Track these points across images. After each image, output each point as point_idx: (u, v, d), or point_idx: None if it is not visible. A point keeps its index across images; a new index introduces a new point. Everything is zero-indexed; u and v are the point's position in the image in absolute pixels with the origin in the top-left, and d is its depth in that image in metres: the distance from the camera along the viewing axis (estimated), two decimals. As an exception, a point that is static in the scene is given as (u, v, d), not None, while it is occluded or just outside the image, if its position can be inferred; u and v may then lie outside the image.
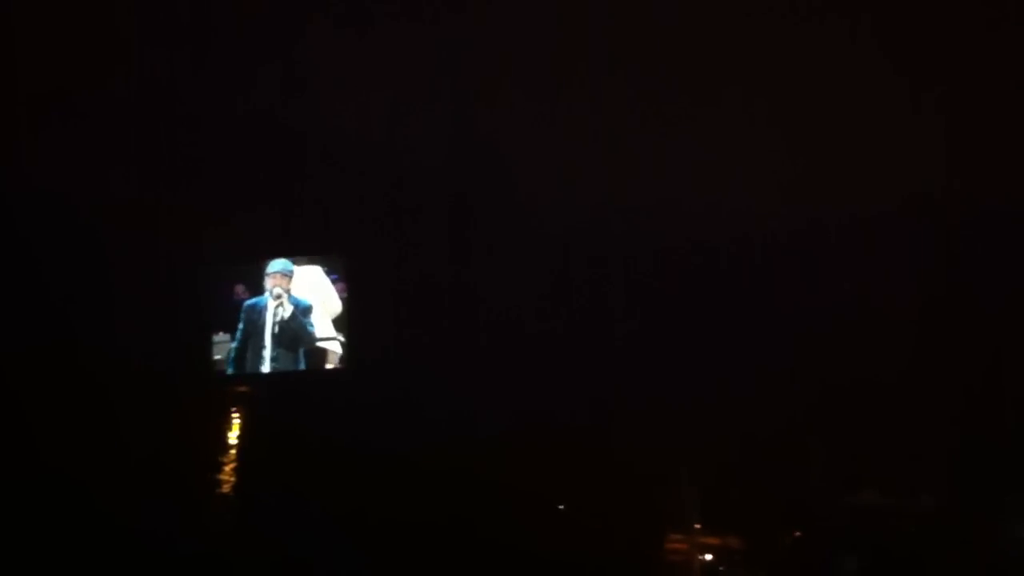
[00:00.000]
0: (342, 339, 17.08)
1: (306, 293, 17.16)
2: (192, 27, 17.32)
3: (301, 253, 17.37)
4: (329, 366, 17.16)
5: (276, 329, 17.12)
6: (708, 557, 18.60)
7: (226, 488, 17.50)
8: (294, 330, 17.10)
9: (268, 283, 17.20)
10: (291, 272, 17.17)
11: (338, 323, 17.12)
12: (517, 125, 17.23)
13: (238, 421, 17.89)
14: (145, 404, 16.80)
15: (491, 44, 17.02)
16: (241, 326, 17.16)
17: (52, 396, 16.72)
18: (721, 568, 18.50)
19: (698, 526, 18.54)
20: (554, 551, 16.86)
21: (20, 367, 16.69)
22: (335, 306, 17.08)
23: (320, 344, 17.08)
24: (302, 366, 17.15)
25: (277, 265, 17.22)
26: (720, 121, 16.63)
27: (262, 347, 17.12)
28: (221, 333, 17.27)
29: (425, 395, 17.30)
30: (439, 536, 16.53)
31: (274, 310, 17.13)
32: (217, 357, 17.27)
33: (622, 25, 16.62)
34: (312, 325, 17.06)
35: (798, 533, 18.08)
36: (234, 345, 17.18)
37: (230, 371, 17.26)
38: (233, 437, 17.80)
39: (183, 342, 17.35)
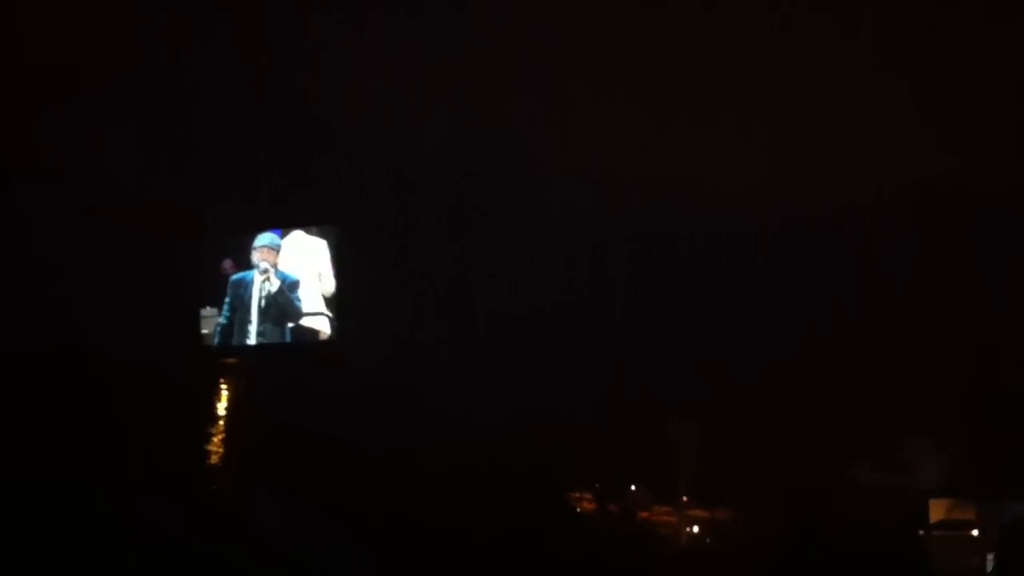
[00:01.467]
0: (330, 314, 17.07)
1: (294, 268, 17.13)
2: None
3: (293, 224, 17.35)
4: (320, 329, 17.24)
5: (263, 303, 17.10)
6: (695, 529, 18.67)
7: (215, 459, 17.56)
8: (281, 305, 17.06)
9: (255, 257, 17.16)
10: (279, 246, 17.11)
11: (330, 300, 17.11)
12: (519, 102, 17.16)
13: (226, 392, 17.93)
14: (135, 377, 16.80)
15: (494, 17, 16.88)
16: (228, 300, 17.18)
17: (44, 370, 16.72)
18: (708, 540, 18.57)
19: (686, 499, 18.61)
20: (541, 524, 16.96)
21: (10, 341, 16.70)
22: (329, 283, 17.05)
23: (307, 319, 17.09)
24: (288, 340, 17.18)
25: (264, 239, 17.16)
26: (723, 111, 16.61)
27: (248, 321, 17.12)
28: (209, 307, 17.33)
29: (416, 368, 17.30)
30: (426, 504, 16.57)
31: (261, 284, 17.11)
32: (205, 331, 17.32)
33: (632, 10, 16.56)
34: (299, 300, 17.01)
35: (791, 508, 18.11)
36: (221, 320, 17.21)
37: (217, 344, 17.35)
38: (222, 408, 17.83)
39: (173, 316, 17.34)
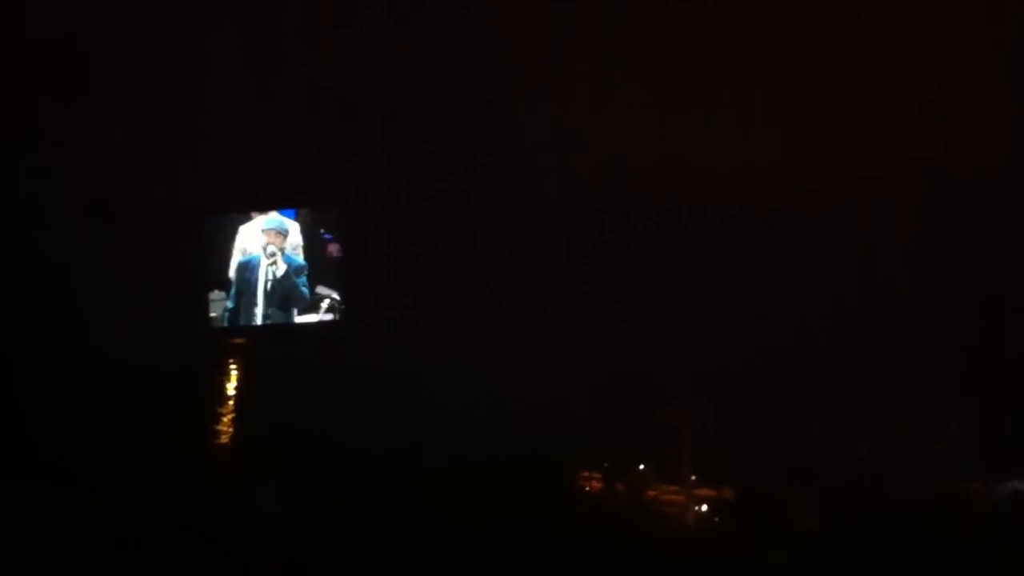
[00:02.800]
0: (335, 297, 17.16)
1: (300, 252, 17.21)
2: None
3: (296, 206, 17.40)
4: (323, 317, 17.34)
5: (268, 287, 17.19)
6: (703, 508, 18.76)
7: (224, 439, 17.70)
8: (286, 289, 17.15)
9: (263, 240, 17.25)
10: (286, 230, 17.19)
11: (328, 281, 17.21)
12: (524, 84, 17.12)
13: (236, 373, 18.06)
14: (143, 359, 16.93)
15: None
16: (234, 284, 17.28)
17: (54, 353, 16.86)
18: (716, 519, 18.66)
19: (694, 478, 18.68)
20: (548, 503, 17.06)
21: (16, 323, 16.83)
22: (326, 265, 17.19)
23: (313, 303, 17.19)
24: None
25: (272, 223, 17.23)
26: (720, 92, 16.54)
27: (254, 305, 17.22)
28: (217, 291, 17.42)
29: (418, 351, 17.37)
30: (434, 487, 16.69)
31: (267, 268, 17.20)
32: (213, 315, 17.41)
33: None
34: (305, 285, 17.12)
35: (794, 487, 18.18)
36: (228, 304, 17.31)
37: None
38: (231, 388, 17.96)
39: (181, 299, 17.45)
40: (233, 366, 18.01)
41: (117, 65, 17.24)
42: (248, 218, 17.34)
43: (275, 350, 17.57)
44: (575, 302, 17.70)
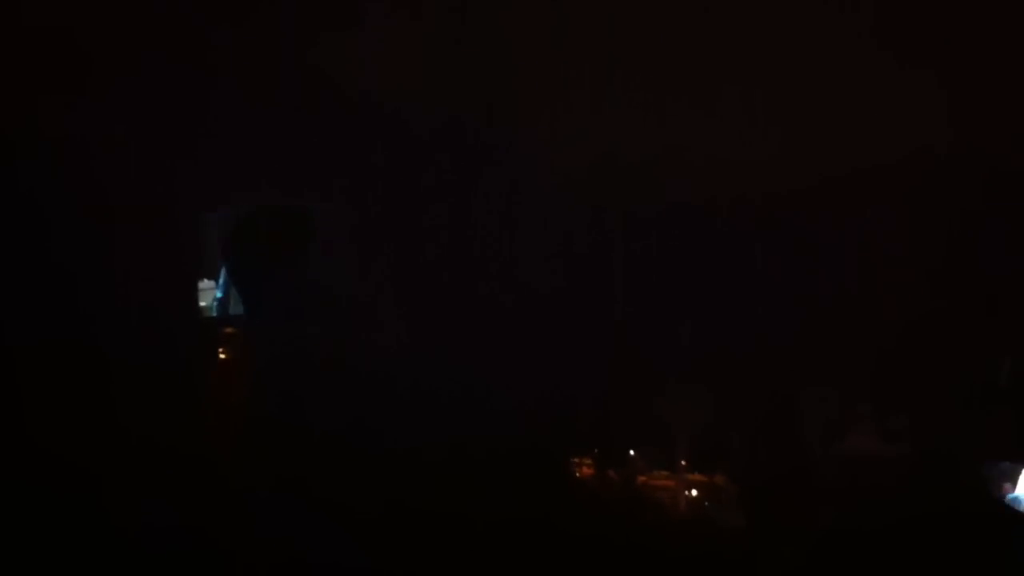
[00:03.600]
0: (330, 293, 17.26)
1: (295, 246, 17.27)
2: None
3: (293, 202, 17.47)
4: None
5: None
6: (694, 493, 18.91)
7: (216, 437, 17.65)
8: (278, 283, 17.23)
9: (255, 233, 17.26)
10: (278, 224, 17.21)
11: (322, 278, 17.32)
12: (524, 84, 17.13)
13: (226, 366, 18.04)
14: (130, 352, 16.89)
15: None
16: (223, 275, 17.36)
17: (42, 348, 16.79)
18: (707, 504, 18.83)
19: (684, 463, 18.81)
20: (541, 491, 17.18)
21: (7, 311, 16.75)
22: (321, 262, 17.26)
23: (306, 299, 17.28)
24: (283, 314, 17.49)
25: (265, 216, 17.27)
26: (720, 88, 16.55)
27: (245, 295, 17.36)
28: (206, 280, 17.50)
29: (419, 349, 17.42)
30: (433, 483, 16.74)
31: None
32: (203, 304, 17.49)
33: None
34: (299, 281, 17.19)
35: (787, 475, 18.33)
36: (218, 294, 17.37)
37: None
38: (220, 383, 17.92)
39: (170, 290, 17.49)
40: (223, 358, 18.03)
41: (114, 60, 17.09)
42: (240, 211, 17.42)
43: (267, 344, 17.61)
44: (575, 301, 17.76)
